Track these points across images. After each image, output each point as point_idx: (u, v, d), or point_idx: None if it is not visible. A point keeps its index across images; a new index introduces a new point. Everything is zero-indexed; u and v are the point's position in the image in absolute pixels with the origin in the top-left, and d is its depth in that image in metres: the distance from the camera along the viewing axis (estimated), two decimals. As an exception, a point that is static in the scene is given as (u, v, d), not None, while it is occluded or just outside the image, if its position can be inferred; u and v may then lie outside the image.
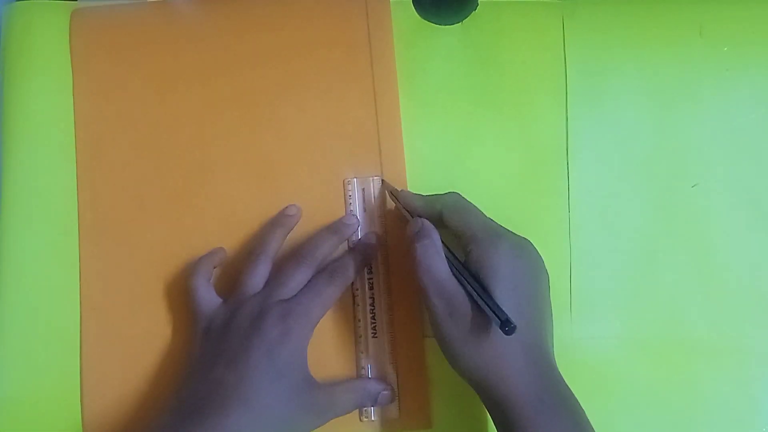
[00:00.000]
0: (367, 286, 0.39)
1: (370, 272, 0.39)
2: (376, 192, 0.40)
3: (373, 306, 0.39)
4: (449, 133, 0.41)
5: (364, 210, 0.40)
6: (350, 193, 0.40)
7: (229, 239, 0.40)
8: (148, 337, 0.39)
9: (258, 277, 0.37)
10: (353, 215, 0.40)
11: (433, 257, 0.33)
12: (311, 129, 0.41)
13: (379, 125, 0.41)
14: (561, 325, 0.39)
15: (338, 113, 0.41)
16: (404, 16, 0.42)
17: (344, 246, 0.40)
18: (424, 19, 0.42)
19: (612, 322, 0.40)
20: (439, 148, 0.41)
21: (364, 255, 0.39)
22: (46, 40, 0.42)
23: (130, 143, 0.41)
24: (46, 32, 0.42)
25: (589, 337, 0.40)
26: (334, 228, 0.39)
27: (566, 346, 0.39)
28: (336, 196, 0.40)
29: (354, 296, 0.39)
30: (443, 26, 0.42)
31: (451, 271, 0.33)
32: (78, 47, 0.42)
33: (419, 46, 0.42)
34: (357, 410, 0.38)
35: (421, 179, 0.41)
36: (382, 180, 0.40)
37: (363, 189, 0.40)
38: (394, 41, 0.42)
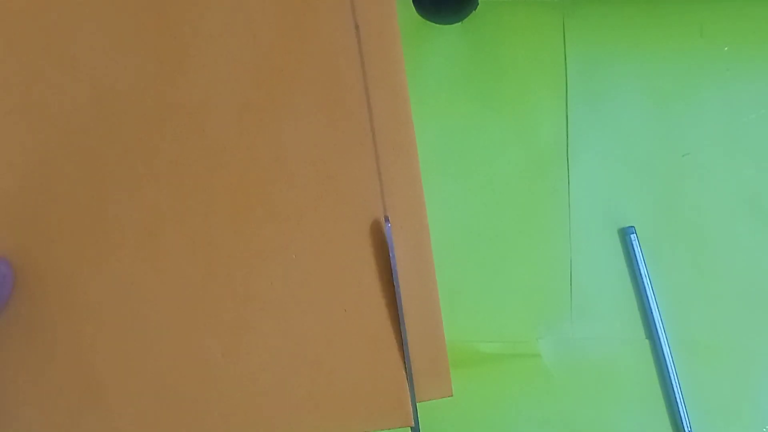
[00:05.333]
0: None
1: None
2: None
3: None
4: (449, 133, 0.41)
5: None
6: None
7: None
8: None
9: None
10: None
11: None
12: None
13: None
14: (561, 325, 0.40)
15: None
16: (404, 15, 0.42)
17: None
18: (424, 18, 0.42)
19: (612, 322, 0.40)
20: (438, 148, 0.41)
21: None
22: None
23: None
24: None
25: (589, 337, 0.40)
26: None
27: (566, 346, 0.39)
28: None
29: None
30: (443, 26, 0.42)
31: None
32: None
33: (419, 46, 0.42)
34: None
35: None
36: None
37: None
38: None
